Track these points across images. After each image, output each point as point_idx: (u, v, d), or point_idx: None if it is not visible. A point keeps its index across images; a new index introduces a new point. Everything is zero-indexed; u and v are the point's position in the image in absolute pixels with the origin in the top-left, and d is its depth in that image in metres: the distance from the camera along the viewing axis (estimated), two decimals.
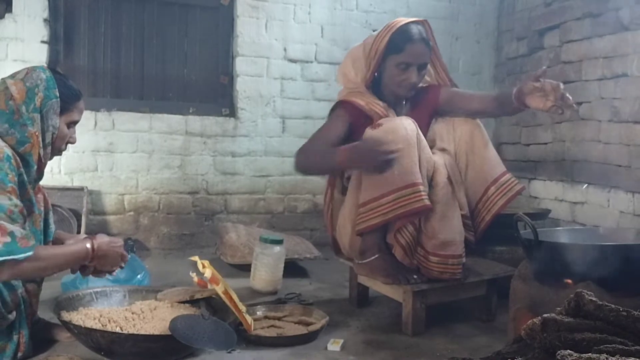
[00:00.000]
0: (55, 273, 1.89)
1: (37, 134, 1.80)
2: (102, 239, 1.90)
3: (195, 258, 2.36)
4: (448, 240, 2.23)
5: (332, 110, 2.53)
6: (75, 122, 1.94)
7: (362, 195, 2.26)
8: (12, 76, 1.85)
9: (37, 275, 1.85)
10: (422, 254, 2.27)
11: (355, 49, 2.54)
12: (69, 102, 1.89)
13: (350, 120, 2.44)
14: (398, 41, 2.38)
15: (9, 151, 1.71)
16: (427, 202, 2.19)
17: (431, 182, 2.27)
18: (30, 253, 1.63)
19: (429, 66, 2.51)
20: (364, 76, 2.47)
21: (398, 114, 2.43)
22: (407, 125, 2.25)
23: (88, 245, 1.85)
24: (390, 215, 2.20)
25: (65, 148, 1.96)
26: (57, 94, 1.84)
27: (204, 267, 2.27)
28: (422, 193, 2.18)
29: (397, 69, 2.40)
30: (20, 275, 1.72)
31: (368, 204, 2.23)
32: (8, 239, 1.59)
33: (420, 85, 2.52)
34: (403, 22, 2.43)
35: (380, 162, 2.14)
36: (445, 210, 2.24)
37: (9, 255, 1.59)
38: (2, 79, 1.85)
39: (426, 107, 2.49)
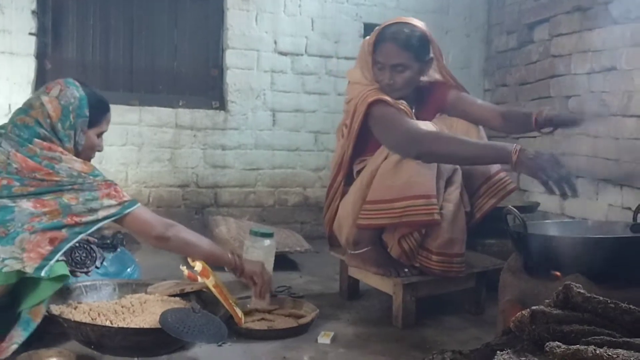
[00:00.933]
0: (198, 256, 2.04)
1: (72, 149, 1.90)
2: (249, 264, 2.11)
3: (186, 271, 2.36)
4: (453, 239, 2.24)
5: (369, 111, 2.32)
6: (103, 132, 2.04)
7: (372, 193, 2.25)
8: (47, 92, 1.92)
9: (183, 246, 2.01)
10: (424, 255, 2.28)
11: (363, 42, 2.49)
12: (99, 115, 1.98)
13: None
14: (375, 40, 2.36)
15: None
16: (437, 216, 2.18)
17: (447, 181, 2.27)
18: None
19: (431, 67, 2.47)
20: (370, 73, 2.41)
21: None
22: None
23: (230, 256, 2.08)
24: (397, 221, 2.20)
25: (94, 156, 2.04)
26: (87, 114, 1.93)
27: (193, 260, 2.26)
28: (434, 206, 2.18)
29: (376, 69, 2.37)
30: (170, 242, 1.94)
31: (377, 204, 2.22)
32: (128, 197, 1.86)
33: (428, 80, 2.50)
34: (390, 22, 2.40)
35: (555, 180, 1.89)
36: (455, 210, 2.25)
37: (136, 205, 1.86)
38: (36, 94, 1.95)
39: (432, 106, 2.46)
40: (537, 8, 3.91)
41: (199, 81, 4.09)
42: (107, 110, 2.03)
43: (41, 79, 3.68)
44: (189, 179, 3.98)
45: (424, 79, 2.50)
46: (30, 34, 3.63)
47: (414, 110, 2.42)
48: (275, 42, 4.11)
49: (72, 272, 1.98)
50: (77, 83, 1.97)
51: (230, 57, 4.03)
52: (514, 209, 1.94)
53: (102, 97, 2.02)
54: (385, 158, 2.24)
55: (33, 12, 3.63)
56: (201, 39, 4.08)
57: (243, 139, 4.07)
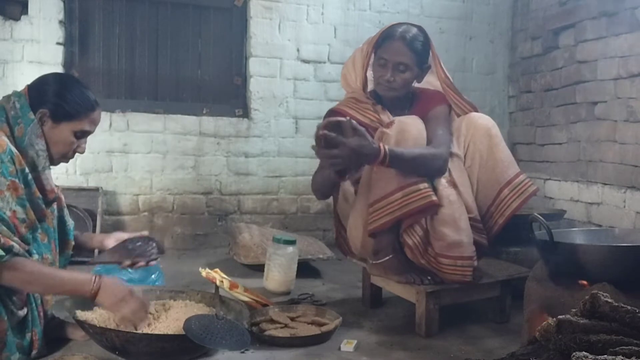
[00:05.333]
0: (47, 293, 1.92)
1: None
2: (109, 282, 1.88)
3: (204, 272, 2.39)
4: (455, 242, 2.21)
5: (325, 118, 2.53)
6: (85, 132, 1.94)
7: (372, 195, 2.25)
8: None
9: (18, 286, 1.79)
10: (432, 255, 2.26)
11: (357, 50, 2.55)
12: (78, 110, 1.90)
13: None
14: (381, 38, 2.41)
15: (11, 147, 1.76)
16: (434, 197, 2.19)
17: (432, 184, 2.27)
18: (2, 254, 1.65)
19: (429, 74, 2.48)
20: (362, 77, 2.48)
21: (396, 115, 2.39)
22: (418, 125, 2.26)
23: (93, 280, 1.84)
24: (398, 214, 2.19)
25: (72, 156, 1.97)
26: (33, 117, 1.83)
27: (220, 280, 2.33)
28: (428, 190, 2.19)
29: (377, 65, 2.41)
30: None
31: (377, 203, 2.23)
32: None
33: (423, 86, 2.51)
34: (396, 22, 2.46)
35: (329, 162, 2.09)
36: (450, 212, 2.22)
37: None
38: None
39: (421, 112, 2.41)
40: (562, 14, 3.88)
41: (222, 89, 4.12)
42: (91, 108, 1.92)
43: None
44: (212, 186, 4.01)
45: (421, 84, 2.51)
46: (58, 43, 3.69)
47: (407, 112, 2.43)
48: (298, 50, 4.13)
49: (132, 264, 2.06)
50: (20, 93, 1.87)
51: (254, 65, 4.06)
52: (540, 217, 1.92)
53: (89, 95, 1.93)
54: None
55: (60, 22, 3.70)
56: (225, 47, 4.11)
57: (266, 147, 4.09)
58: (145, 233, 2.17)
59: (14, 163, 1.75)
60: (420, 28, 2.43)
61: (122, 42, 3.90)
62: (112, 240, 2.12)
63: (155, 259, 2.11)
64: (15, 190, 1.75)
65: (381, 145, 2.09)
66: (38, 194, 1.84)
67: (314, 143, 2.10)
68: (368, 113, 2.43)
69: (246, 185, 4.07)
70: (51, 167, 1.93)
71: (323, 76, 4.18)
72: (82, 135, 1.94)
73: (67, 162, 1.98)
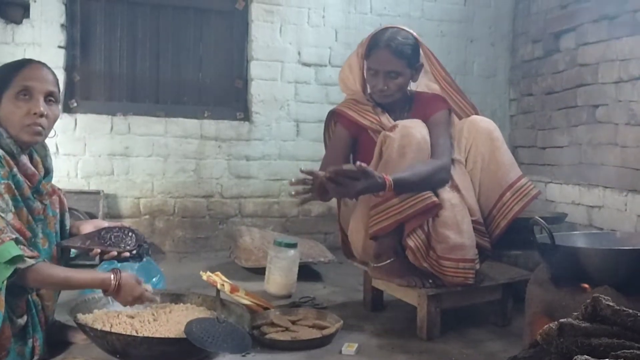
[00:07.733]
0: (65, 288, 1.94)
1: None
2: (127, 279, 1.90)
3: (205, 276, 2.39)
4: (457, 244, 2.21)
5: (327, 120, 2.62)
6: (27, 90, 1.84)
7: (372, 199, 2.26)
8: None
9: (38, 286, 1.84)
10: (434, 258, 2.26)
11: (352, 54, 2.56)
12: (7, 75, 1.84)
13: (350, 133, 2.48)
14: (368, 47, 2.41)
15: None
16: (434, 198, 2.20)
17: None
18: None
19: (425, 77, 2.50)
20: (360, 80, 2.49)
21: (397, 118, 2.41)
22: (421, 129, 2.27)
23: (112, 281, 1.86)
24: (401, 216, 2.20)
25: (37, 124, 1.83)
26: None
27: (221, 284, 2.32)
28: (427, 193, 2.20)
29: (369, 74, 2.43)
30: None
31: (379, 206, 2.23)
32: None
33: (421, 90, 2.52)
34: (382, 27, 2.46)
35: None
36: (452, 215, 2.22)
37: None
38: None
39: (421, 115, 2.42)
40: (563, 17, 3.88)
41: (223, 92, 4.12)
42: (18, 67, 1.88)
43: (70, 91, 3.75)
44: (213, 190, 4.01)
45: (419, 88, 2.53)
46: (60, 47, 3.70)
47: (406, 114, 2.45)
48: (299, 53, 4.13)
49: (102, 253, 2.00)
50: None
51: (255, 69, 4.06)
52: (541, 220, 1.92)
53: (16, 61, 1.93)
54: (379, 162, 2.26)
55: (62, 25, 3.70)
56: (226, 50, 4.11)
57: (267, 150, 4.09)
58: (127, 224, 2.09)
59: (3, 166, 1.75)
60: (406, 30, 2.42)
61: (123, 46, 3.91)
62: (89, 226, 2.06)
63: (130, 252, 2.02)
64: (10, 192, 1.75)
65: (386, 178, 2.09)
66: (28, 192, 1.83)
67: (295, 178, 2.15)
68: (368, 115, 2.44)
69: (247, 188, 4.06)
70: (30, 149, 1.90)
71: (324, 79, 4.18)
72: (27, 94, 1.83)
73: (40, 136, 1.86)
